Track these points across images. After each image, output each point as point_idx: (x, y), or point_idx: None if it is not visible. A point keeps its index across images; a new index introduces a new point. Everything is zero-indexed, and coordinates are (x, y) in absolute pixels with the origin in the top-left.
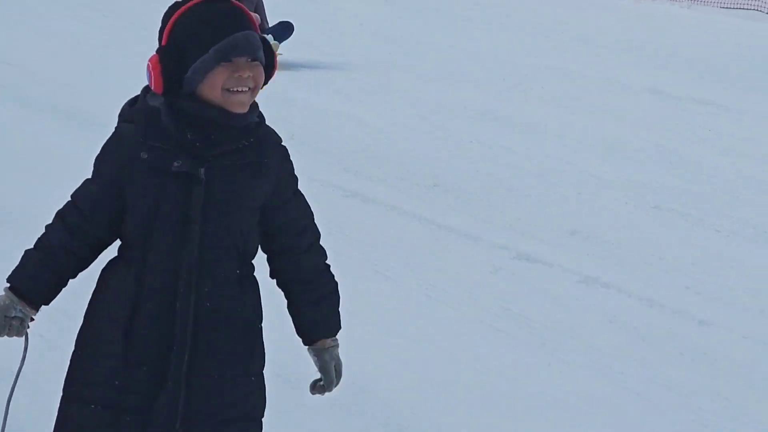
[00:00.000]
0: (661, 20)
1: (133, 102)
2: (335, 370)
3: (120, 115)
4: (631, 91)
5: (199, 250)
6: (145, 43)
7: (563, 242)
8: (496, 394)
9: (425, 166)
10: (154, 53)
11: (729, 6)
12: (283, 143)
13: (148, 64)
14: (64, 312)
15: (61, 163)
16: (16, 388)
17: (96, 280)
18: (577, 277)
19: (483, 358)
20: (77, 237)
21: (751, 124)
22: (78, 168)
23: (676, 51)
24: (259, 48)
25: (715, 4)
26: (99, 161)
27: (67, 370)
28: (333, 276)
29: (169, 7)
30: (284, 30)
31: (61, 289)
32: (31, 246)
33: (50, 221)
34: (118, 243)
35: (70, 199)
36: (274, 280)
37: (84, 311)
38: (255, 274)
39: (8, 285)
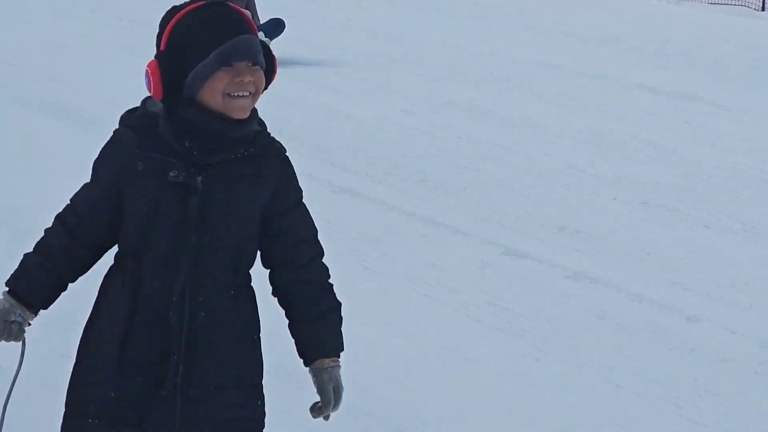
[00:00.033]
0: (650, 16)
1: (134, 109)
2: (334, 392)
3: (120, 120)
4: (619, 87)
5: (195, 260)
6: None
7: (552, 238)
8: (484, 389)
9: (414, 162)
10: (153, 58)
11: (717, 2)
12: (285, 153)
13: (146, 70)
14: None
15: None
16: (12, 392)
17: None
18: (565, 273)
19: (472, 353)
20: (77, 240)
21: (739, 120)
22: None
23: (665, 47)
24: (260, 52)
25: (704, 0)
26: (97, 165)
27: (68, 381)
28: (335, 296)
29: (167, 12)
30: (275, 27)
31: (60, 293)
32: (30, 249)
33: (49, 224)
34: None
35: (69, 202)
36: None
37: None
38: (253, 284)
39: (7, 289)
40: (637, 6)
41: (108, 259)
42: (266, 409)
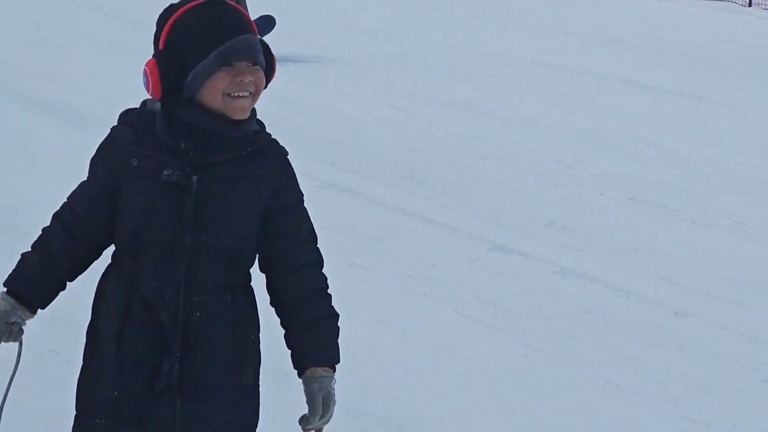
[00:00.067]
0: (637, 12)
1: (134, 108)
2: (323, 403)
3: (119, 117)
4: (607, 83)
5: (189, 260)
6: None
7: (539, 233)
8: (471, 384)
9: (402, 157)
10: (151, 57)
11: None
12: (285, 154)
13: (145, 69)
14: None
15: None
16: (9, 394)
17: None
18: (553, 268)
19: (460, 348)
20: (76, 239)
21: (727, 115)
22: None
23: (652, 43)
24: (260, 52)
25: None
26: (94, 162)
27: (76, 383)
28: (331, 304)
29: (165, 10)
30: (266, 24)
31: (59, 293)
32: (27, 249)
33: (47, 224)
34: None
35: (66, 200)
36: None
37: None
38: (254, 285)
39: (5, 289)
40: (625, 3)
41: (106, 259)
42: (262, 410)
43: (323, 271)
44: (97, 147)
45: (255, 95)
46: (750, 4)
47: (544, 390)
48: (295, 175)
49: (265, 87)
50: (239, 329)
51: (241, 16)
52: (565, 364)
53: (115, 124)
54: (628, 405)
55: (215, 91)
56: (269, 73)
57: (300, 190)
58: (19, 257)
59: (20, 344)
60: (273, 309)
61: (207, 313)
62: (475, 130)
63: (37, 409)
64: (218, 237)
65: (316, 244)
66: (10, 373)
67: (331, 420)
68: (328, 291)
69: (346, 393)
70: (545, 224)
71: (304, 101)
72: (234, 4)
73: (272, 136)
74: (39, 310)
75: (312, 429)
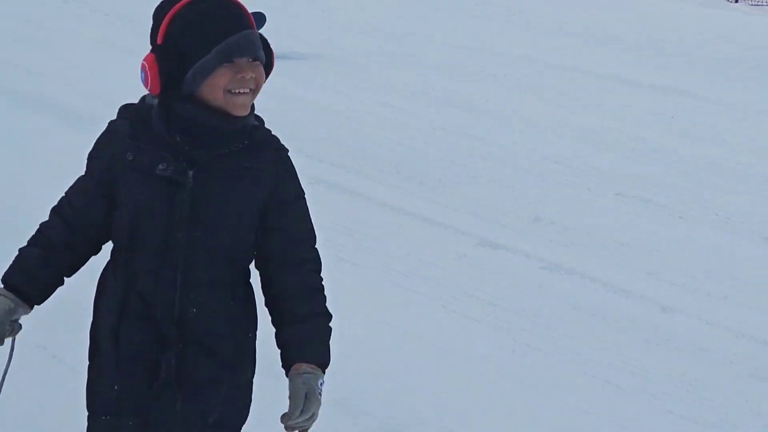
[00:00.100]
0: (624, 8)
1: (133, 103)
2: (306, 399)
3: (118, 111)
4: (594, 79)
5: (186, 256)
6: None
7: (527, 229)
8: (459, 380)
9: (389, 153)
10: (150, 52)
11: None
12: (284, 150)
13: (143, 64)
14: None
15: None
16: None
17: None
18: (540, 264)
19: (447, 344)
20: (76, 233)
21: (713, 111)
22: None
23: (639, 38)
24: (260, 47)
25: None
26: (91, 156)
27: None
28: (325, 304)
29: (163, 3)
30: (256, 20)
31: (57, 288)
32: (24, 245)
33: (44, 219)
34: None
35: (64, 195)
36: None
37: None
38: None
39: (3, 284)
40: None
41: (106, 256)
42: (256, 407)
43: (320, 273)
44: (95, 141)
45: (255, 91)
46: (737, 0)
47: (531, 385)
48: (295, 171)
49: (263, 82)
50: (238, 327)
51: (240, 11)
52: (553, 359)
53: (114, 118)
54: (616, 400)
55: (216, 88)
56: (268, 68)
57: (300, 187)
58: (18, 252)
59: (13, 340)
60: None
61: (204, 310)
62: (464, 126)
63: (26, 405)
64: (215, 233)
65: (315, 244)
66: (3, 368)
67: (317, 419)
68: (323, 292)
69: (332, 386)
70: (532, 220)
71: (293, 97)
72: None
73: (272, 133)
74: (35, 307)
75: (293, 426)
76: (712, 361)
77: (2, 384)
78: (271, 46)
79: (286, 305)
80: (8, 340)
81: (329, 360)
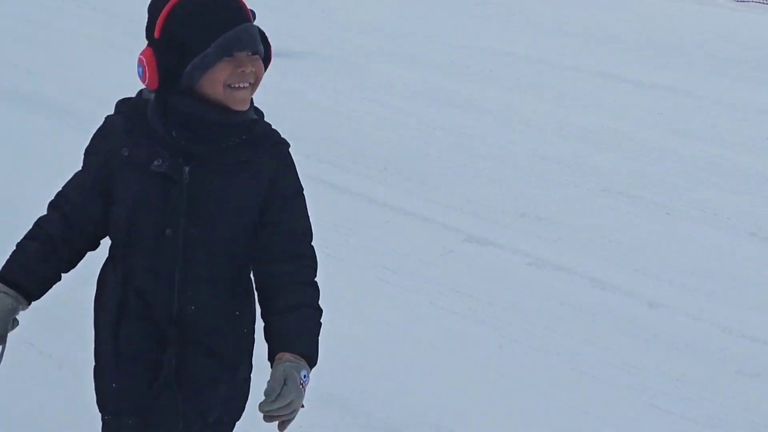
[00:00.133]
0: (610, 4)
1: (131, 97)
2: (285, 385)
3: (115, 106)
4: (581, 75)
5: (183, 253)
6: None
7: (514, 224)
8: (447, 375)
9: (377, 149)
10: (147, 47)
11: None
12: (284, 145)
13: (140, 58)
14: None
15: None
16: None
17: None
18: (527, 259)
19: (434, 339)
20: (74, 228)
21: (698, 107)
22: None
23: (624, 35)
24: (260, 41)
25: None
26: (87, 152)
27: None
28: (316, 298)
29: None
30: None
31: (54, 284)
32: (21, 239)
33: (42, 215)
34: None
35: (61, 190)
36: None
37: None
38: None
39: (2, 280)
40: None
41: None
42: (252, 405)
43: (316, 271)
44: (91, 136)
45: (255, 85)
46: None
47: (518, 380)
48: (294, 166)
49: (262, 76)
50: (237, 324)
51: (239, 4)
52: (540, 355)
53: (111, 113)
54: (603, 395)
55: (216, 82)
56: (266, 61)
57: (299, 182)
58: (15, 247)
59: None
60: None
61: (203, 308)
62: (449, 121)
63: (6, 399)
64: (215, 228)
65: (311, 241)
66: None
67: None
68: (317, 289)
69: (318, 382)
70: (519, 215)
71: (292, 95)
72: None
73: (272, 127)
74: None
75: (270, 414)
76: (699, 357)
77: None
78: (269, 39)
79: (277, 296)
80: None
81: (317, 354)
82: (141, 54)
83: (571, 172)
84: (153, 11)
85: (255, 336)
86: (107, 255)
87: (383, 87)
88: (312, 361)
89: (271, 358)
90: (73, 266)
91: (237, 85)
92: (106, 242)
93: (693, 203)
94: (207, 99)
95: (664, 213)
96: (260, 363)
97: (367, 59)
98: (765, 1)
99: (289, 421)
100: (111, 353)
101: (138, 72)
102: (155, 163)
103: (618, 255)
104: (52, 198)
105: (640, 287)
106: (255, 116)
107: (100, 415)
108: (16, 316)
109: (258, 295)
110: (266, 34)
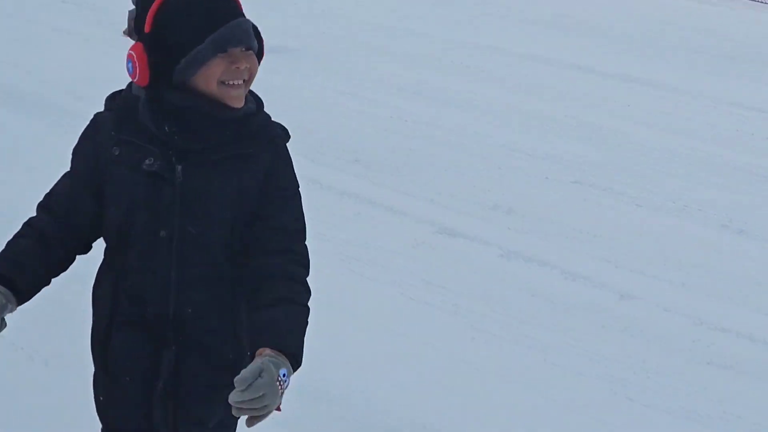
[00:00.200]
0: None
1: (120, 92)
2: (260, 377)
3: (105, 101)
4: (553, 67)
5: (179, 253)
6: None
7: (485, 216)
8: (418, 367)
9: (346, 141)
10: (137, 42)
11: None
12: (282, 140)
13: (130, 54)
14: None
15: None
16: None
17: None
18: (499, 251)
19: (406, 331)
20: (63, 228)
21: (671, 99)
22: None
23: (598, 27)
24: (253, 36)
25: None
26: (75, 151)
27: None
28: (305, 297)
29: None
30: None
31: (43, 287)
32: (11, 239)
33: (32, 215)
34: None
35: (50, 191)
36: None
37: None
38: None
39: None
40: None
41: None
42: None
43: (307, 270)
44: (79, 135)
45: (249, 81)
46: None
47: (490, 371)
48: (290, 160)
49: (256, 71)
50: (237, 325)
51: None
52: (512, 346)
53: (101, 110)
54: (575, 387)
55: (210, 79)
56: (259, 56)
57: (295, 178)
58: (4, 245)
59: None
60: None
61: (201, 309)
62: (423, 114)
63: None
64: (212, 227)
65: (303, 238)
66: None
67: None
68: (306, 287)
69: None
70: (490, 207)
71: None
72: None
73: (272, 119)
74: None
75: (239, 406)
76: (670, 349)
77: None
78: (261, 34)
79: (263, 289)
80: None
81: (300, 353)
82: (131, 49)
83: (542, 163)
84: (143, 5)
85: None
86: (102, 261)
87: (353, 79)
88: (295, 360)
89: (251, 350)
90: (64, 269)
91: (231, 83)
92: (101, 244)
93: (664, 195)
94: (201, 94)
95: (635, 205)
96: None
97: (337, 50)
98: None
99: (259, 418)
100: (100, 365)
101: (127, 68)
102: (146, 162)
103: (589, 246)
104: (41, 199)
105: (611, 279)
106: (253, 109)
107: (88, 415)
108: (5, 317)
109: (247, 292)
110: (259, 29)
